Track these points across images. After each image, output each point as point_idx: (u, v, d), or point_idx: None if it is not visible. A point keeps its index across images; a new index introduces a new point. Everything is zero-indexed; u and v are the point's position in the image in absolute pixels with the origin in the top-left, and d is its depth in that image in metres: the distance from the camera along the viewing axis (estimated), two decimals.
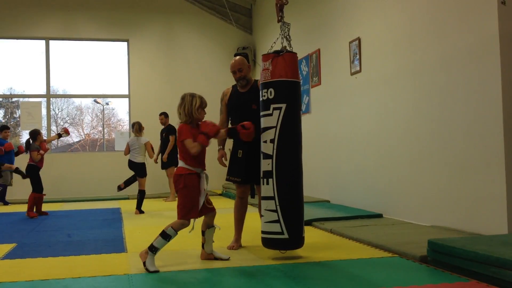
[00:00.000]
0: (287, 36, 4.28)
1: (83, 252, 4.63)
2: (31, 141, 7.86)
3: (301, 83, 4.31)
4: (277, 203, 3.99)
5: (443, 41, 5.22)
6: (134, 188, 8.26)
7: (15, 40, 12.23)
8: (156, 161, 9.94)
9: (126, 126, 14.28)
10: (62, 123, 19.15)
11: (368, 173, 6.82)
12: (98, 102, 17.11)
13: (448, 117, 5.15)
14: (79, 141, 20.07)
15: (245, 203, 4.77)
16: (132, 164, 8.13)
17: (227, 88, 4.90)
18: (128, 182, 8.25)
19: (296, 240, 4.05)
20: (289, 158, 4.05)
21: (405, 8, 5.93)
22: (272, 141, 4.03)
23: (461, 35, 4.95)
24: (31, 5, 11.92)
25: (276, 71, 4.08)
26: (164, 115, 9.97)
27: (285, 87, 4.07)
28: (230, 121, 4.82)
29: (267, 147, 4.07)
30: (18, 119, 14.35)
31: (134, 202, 8.12)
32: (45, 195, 8.08)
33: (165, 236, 3.84)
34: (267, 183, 4.05)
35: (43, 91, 12.27)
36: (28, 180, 7.97)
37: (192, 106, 3.94)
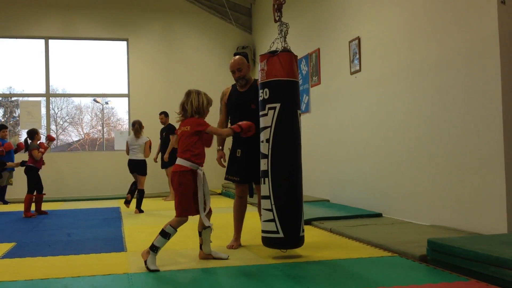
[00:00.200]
0: (284, 36, 4.28)
1: (83, 251, 4.63)
2: (29, 141, 7.87)
3: (299, 82, 4.25)
4: (272, 202, 4.01)
5: (443, 41, 5.21)
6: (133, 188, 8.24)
7: (15, 39, 12.23)
8: (156, 160, 9.95)
9: (125, 125, 14.28)
10: (61, 122, 19.14)
11: (367, 172, 6.82)
12: (97, 102, 17.09)
13: (448, 117, 5.15)
14: (79, 140, 20.06)
15: (244, 202, 4.77)
16: (133, 163, 8.10)
17: (226, 87, 4.90)
18: (132, 192, 8.14)
19: (292, 240, 4.03)
20: (284, 157, 4.05)
21: (405, 8, 5.93)
22: (267, 140, 4.06)
23: (461, 35, 4.95)
24: (30, 4, 11.92)
25: (270, 71, 4.10)
26: (164, 114, 9.96)
27: (279, 86, 4.07)
28: (229, 121, 4.82)
29: (264, 147, 4.10)
30: (18, 118, 14.34)
31: (133, 202, 8.12)
32: (45, 194, 8.08)
33: (165, 234, 3.84)
34: (264, 183, 4.09)
35: (42, 90, 12.27)
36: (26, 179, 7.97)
37: (200, 103, 3.98)
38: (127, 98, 12.56)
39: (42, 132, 12.50)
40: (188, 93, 4.03)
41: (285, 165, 4.05)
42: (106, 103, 17.25)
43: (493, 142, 4.53)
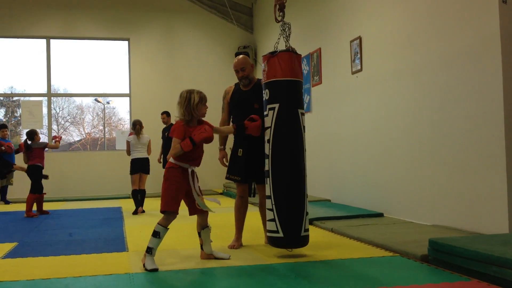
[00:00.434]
0: (288, 36, 4.28)
1: (84, 251, 4.63)
2: (28, 142, 7.88)
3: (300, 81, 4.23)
4: (273, 202, 4.05)
5: (444, 40, 5.21)
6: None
7: (16, 39, 12.23)
8: (159, 161, 9.95)
9: (127, 125, 14.28)
10: (63, 122, 19.15)
11: (369, 172, 6.82)
12: (99, 101, 17.09)
13: (449, 116, 5.14)
14: (80, 140, 20.07)
15: (245, 202, 4.77)
16: (140, 161, 8.06)
17: (229, 86, 4.90)
18: (139, 202, 8.00)
19: (292, 239, 4.04)
20: (283, 157, 4.06)
21: (406, 7, 5.92)
22: (268, 141, 4.11)
23: (462, 34, 4.94)
24: (32, 4, 11.93)
25: (270, 72, 4.13)
26: (166, 114, 9.96)
27: (278, 87, 4.09)
28: (231, 119, 4.82)
29: (266, 147, 4.14)
30: (19, 118, 14.36)
31: (132, 202, 8.10)
32: (45, 193, 8.09)
33: (155, 234, 3.85)
34: (266, 182, 4.14)
35: (44, 90, 12.28)
36: (28, 179, 7.98)
37: (191, 103, 3.92)
38: (128, 98, 12.56)
39: (43, 131, 12.52)
40: (180, 94, 4.00)
41: (284, 165, 4.06)
42: (108, 102, 17.25)
43: (494, 142, 4.53)
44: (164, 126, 10.10)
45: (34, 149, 7.82)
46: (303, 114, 4.17)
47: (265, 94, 4.15)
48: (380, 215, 6.26)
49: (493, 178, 4.55)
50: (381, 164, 6.49)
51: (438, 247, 3.66)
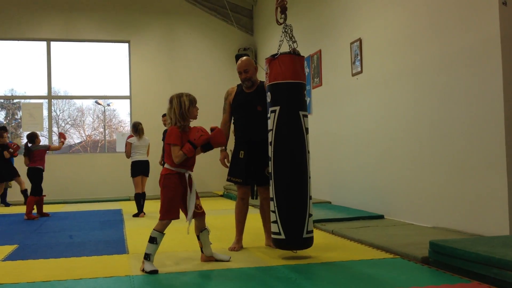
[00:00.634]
0: (292, 37, 4.27)
1: (85, 253, 4.63)
2: (29, 144, 7.88)
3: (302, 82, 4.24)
4: (275, 204, 4.07)
5: (444, 42, 5.21)
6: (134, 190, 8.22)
7: (17, 41, 12.25)
8: (161, 163, 9.93)
9: (127, 127, 14.29)
10: (63, 124, 19.17)
11: (369, 174, 6.82)
12: (99, 103, 17.11)
13: (450, 118, 5.14)
14: (80, 142, 20.09)
15: (246, 204, 4.77)
16: (143, 164, 8.02)
17: (231, 87, 4.90)
18: (142, 207, 7.98)
19: (294, 241, 4.05)
20: (284, 159, 4.07)
21: (406, 9, 5.93)
22: (271, 143, 4.13)
23: (462, 36, 4.95)
24: (32, 6, 11.94)
25: (271, 74, 4.15)
26: None
27: (279, 89, 4.11)
28: (233, 121, 4.82)
29: (269, 150, 4.16)
30: (20, 120, 14.37)
31: (135, 204, 8.09)
32: (45, 196, 8.09)
33: (152, 239, 3.83)
34: (270, 185, 4.16)
35: (44, 92, 12.29)
36: (28, 182, 7.98)
37: (182, 108, 3.90)
38: (129, 100, 12.57)
39: (44, 134, 12.53)
40: (170, 100, 3.98)
41: (284, 166, 4.06)
42: (108, 105, 17.26)
43: (494, 144, 4.53)
44: (165, 128, 10.10)
45: (34, 152, 7.83)
46: (305, 116, 4.14)
47: (268, 97, 4.18)
48: (381, 217, 6.25)
49: (493, 179, 4.54)
50: (382, 166, 6.49)
51: (438, 249, 3.66)
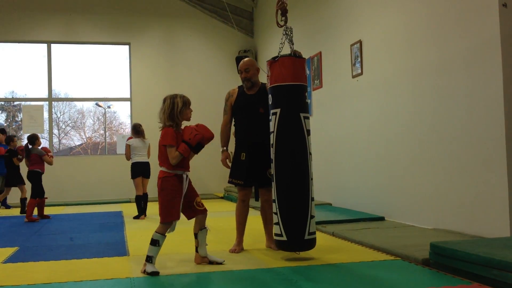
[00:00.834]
0: (291, 40, 4.29)
1: (85, 255, 4.63)
2: (30, 146, 7.89)
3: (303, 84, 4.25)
4: (277, 206, 4.09)
5: (444, 44, 5.22)
6: (134, 192, 8.22)
7: (17, 43, 12.27)
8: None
9: (127, 129, 14.30)
10: (64, 127, 19.18)
11: (370, 176, 6.82)
12: (99, 106, 17.13)
13: (450, 120, 5.14)
14: (81, 144, 20.10)
15: (247, 206, 4.77)
16: (144, 165, 7.98)
17: (232, 88, 4.90)
18: (143, 209, 7.97)
19: (296, 243, 4.05)
20: (284, 160, 4.08)
21: (406, 11, 5.93)
22: (272, 145, 4.15)
23: (462, 38, 4.95)
24: (33, 8, 11.96)
25: (272, 77, 4.18)
26: None
27: (279, 91, 4.13)
28: (234, 122, 4.82)
29: (271, 152, 4.18)
30: (20, 122, 14.38)
31: (135, 206, 8.08)
32: (47, 198, 8.10)
33: (153, 242, 3.82)
34: (271, 186, 4.20)
35: (45, 94, 12.30)
36: (28, 184, 7.99)
37: (174, 109, 3.88)
38: (129, 102, 12.58)
39: (45, 136, 12.53)
40: (164, 100, 3.97)
41: (285, 168, 4.08)
42: (108, 107, 17.29)
43: (495, 145, 4.53)
44: None
45: (31, 155, 7.83)
46: (306, 117, 4.15)
47: (269, 99, 4.21)
48: (381, 218, 6.25)
49: (494, 181, 4.54)
50: (382, 167, 6.49)
51: (439, 250, 3.66)
